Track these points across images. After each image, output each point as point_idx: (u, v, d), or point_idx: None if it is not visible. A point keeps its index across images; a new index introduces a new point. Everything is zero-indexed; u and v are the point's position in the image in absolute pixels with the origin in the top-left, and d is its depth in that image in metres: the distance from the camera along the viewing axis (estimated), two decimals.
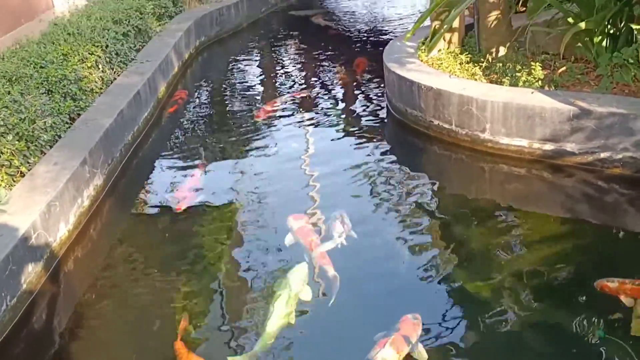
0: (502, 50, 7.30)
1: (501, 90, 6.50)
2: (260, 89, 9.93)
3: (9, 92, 6.30)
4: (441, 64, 7.43)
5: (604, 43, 6.58)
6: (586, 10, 6.56)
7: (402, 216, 5.62)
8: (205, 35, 12.30)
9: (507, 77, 6.70)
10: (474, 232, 5.29)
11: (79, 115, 6.82)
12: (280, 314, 4.24)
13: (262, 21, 14.65)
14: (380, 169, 6.51)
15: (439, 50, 7.77)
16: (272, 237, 5.35)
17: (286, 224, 5.36)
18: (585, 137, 5.87)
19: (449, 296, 4.48)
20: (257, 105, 8.87)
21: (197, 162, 7.03)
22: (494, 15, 7.26)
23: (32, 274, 4.76)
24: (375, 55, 9.56)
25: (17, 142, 5.60)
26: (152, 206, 6.19)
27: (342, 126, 7.89)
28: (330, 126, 7.91)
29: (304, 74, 10.56)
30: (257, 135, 7.73)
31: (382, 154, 6.92)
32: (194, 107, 9.20)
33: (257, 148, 7.33)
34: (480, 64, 7.22)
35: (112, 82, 7.97)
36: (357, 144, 7.23)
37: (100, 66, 7.94)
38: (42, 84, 6.74)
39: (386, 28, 13.17)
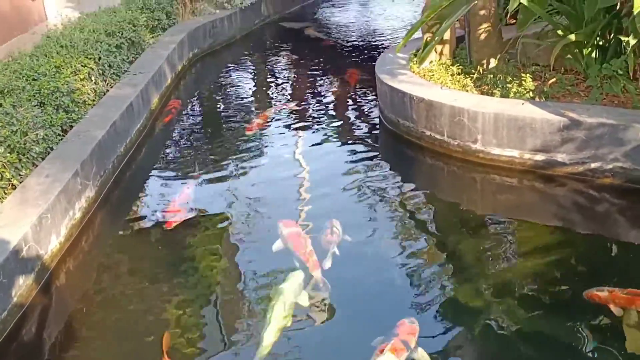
0: (493, 62, 7.36)
1: (492, 101, 6.55)
2: (253, 100, 9.95)
3: (0, 105, 6.29)
4: (433, 75, 7.48)
5: (593, 55, 6.65)
6: (575, 22, 6.64)
7: (394, 226, 5.64)
8: (198, 47, 12.33)
9: (498, 89, 6.76)
10: (466, 242, 5.31)
11: (71, 127, 6.82)
12: (277, 324, 4.23)
13: (255, 33, 14.70)
14: (373, 179, 6.53)
15: (431, 61, 7.83)
16: (265, 247, 5.33)
17: (277, 231, 5.37)
18: (575, 147, 5.92)
19: (440, 306, 4.48)
20: (250, 116, 8.88)
21: (189, 173, 7.03)
22: (484, 27, 7.33)
23: (23, 286, 4.73)
24: (367, 67, 9.63)
25: (8, 155, 5.58)
26: (144, 218, 6.17)
27: (334, 137, 7.92)
28: (322, 137, 7.93)
29: (296, 85, 10.60)
30: (250, 146, 7.75)
31: (375, 164, 6.95)
32: (186, 119, 9.21)
33: (249, 159, 7.33)
34: (472, 75, 7.28)
35: (104, 94, 7.96)
36: (349, 155, 7.25)
37: (93, 78, 7.94)
38: (35, 96, 6.73)
39: (378, 40, 13.25)
